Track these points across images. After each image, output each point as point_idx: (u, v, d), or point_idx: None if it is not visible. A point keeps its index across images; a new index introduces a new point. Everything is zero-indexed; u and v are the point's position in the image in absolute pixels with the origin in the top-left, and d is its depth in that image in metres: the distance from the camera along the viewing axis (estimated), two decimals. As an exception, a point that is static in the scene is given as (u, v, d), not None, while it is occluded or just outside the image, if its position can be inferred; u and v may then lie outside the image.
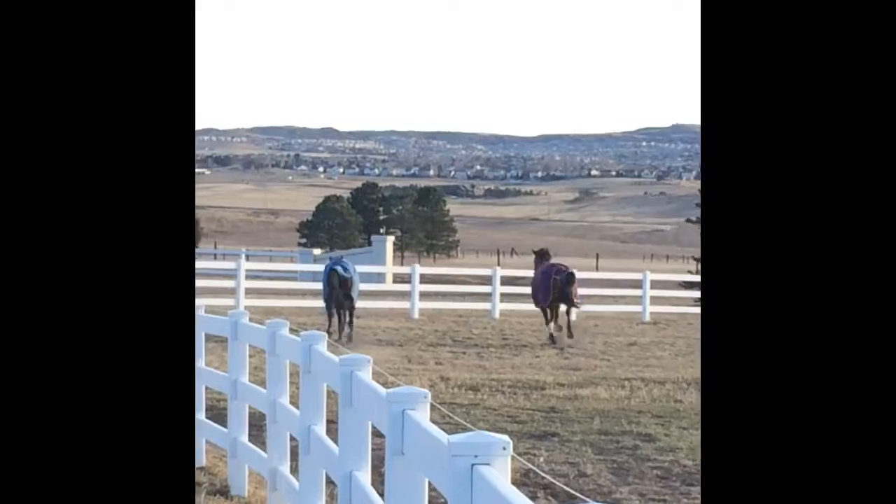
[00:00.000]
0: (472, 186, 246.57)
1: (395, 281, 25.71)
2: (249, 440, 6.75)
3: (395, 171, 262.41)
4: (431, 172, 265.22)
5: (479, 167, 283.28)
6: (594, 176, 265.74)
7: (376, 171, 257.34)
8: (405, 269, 24.48)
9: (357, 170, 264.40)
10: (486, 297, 20.86)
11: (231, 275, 20.57)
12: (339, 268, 15.05)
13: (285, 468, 5.84)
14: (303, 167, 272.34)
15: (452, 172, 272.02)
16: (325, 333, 5.37)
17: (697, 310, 18.29)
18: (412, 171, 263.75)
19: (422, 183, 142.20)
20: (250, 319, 6.99)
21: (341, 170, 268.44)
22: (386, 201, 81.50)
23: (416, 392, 3.02)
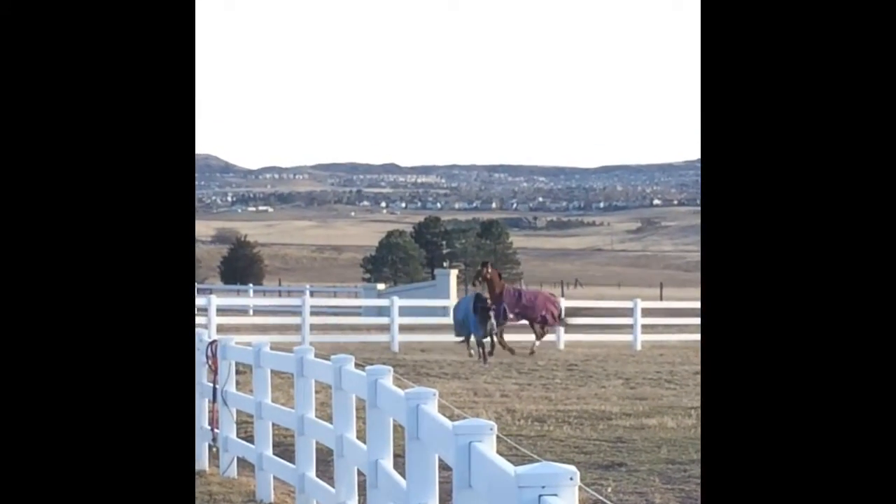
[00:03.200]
0: (535, 218, 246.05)
1: (458, 314, 25.69)
2: (317, 476, 6.80)
3: (457, 205, 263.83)
4: (493, 205, 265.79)
5: (540, 199, 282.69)
6: (656, 205, 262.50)
7: (438, 204, 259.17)
8: (468, 303, 24.47)
9: (419, 204, 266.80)
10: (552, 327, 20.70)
11: (296, 311, 20.87)
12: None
13: (353, 503, 5.85)
14: (365, 202, 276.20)
15: (514, 205, 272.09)
16: (390, 368, 5.39)
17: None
18: (474, 205, 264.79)
19: (484, 216, 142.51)
20: (316, 355, 7.07)
21: (403, 204, 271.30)
22: (448, 235, 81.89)
23: (482, 424, 3.00)
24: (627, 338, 20.64)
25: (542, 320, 17.29)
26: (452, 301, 27.85)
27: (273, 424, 7.85)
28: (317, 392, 7.39)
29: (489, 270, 17.22)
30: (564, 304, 20.71)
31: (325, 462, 6.99)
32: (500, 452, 2.83)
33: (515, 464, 2.39)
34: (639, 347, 20.04)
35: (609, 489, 7.08)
